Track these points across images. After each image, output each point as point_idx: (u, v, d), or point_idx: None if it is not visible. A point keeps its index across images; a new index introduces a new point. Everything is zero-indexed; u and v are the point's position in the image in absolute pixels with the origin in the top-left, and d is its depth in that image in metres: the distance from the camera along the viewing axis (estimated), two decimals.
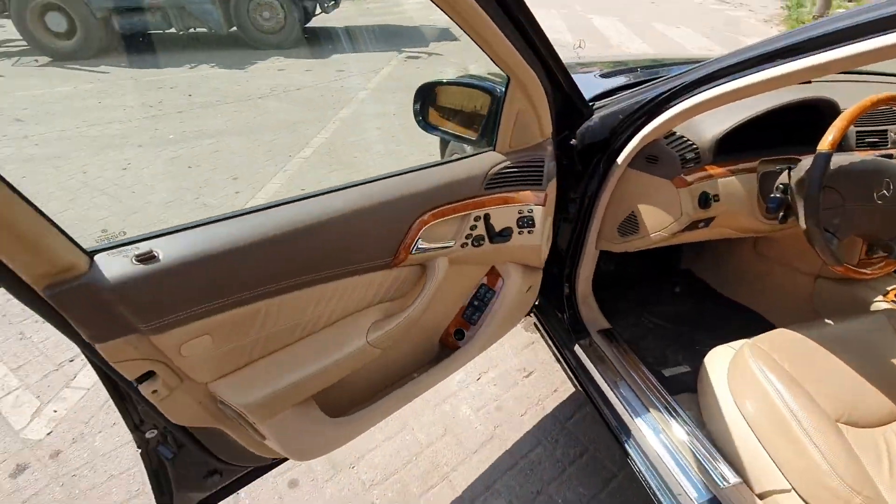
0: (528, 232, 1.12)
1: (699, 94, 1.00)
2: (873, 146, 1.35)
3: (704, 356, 1.21)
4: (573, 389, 1.78)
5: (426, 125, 1.27)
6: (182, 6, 6.37)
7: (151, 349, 0.72)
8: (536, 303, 1.62)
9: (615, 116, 1.20)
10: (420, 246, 0.97)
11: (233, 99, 4.97)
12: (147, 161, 3.65)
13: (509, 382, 1.81)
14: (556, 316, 1.55)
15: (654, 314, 1.73)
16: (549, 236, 1.24)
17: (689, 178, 1.18)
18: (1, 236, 0.54)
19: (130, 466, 1.55)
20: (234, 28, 6.78)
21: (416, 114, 1.28)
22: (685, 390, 1.34)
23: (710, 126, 1.21)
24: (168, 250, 0.70)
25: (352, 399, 1.12)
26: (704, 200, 1.19)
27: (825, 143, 1.01)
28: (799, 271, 1.58)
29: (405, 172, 0.97)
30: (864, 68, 1.20)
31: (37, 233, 0.57)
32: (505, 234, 1.09)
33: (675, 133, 1.20)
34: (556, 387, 1.79)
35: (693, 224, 1.25)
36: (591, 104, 1.28)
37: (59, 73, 5.82)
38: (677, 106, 1.04)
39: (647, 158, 1.21)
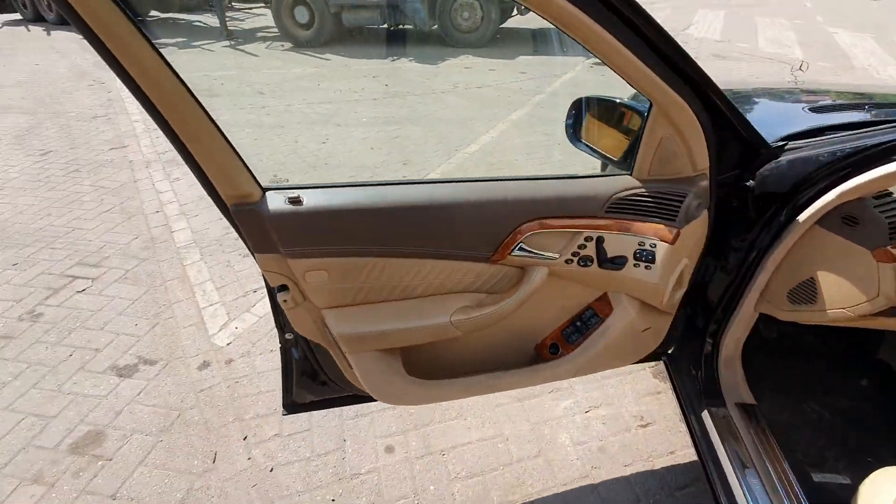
0: (646, 267, 1.04)
1: None
2: None
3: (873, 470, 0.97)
4: (696, 458, 1.58)
5: (574, 139, 1.25)
6: (396, 4, 7.16)
7: (287, 268, 0.93)
8: (670, 351, 1.48)
9: (810, 162, 1.02)
10: (522, 248, 0.99)
11: (420, 91, 5.45)
12: (341, 139, 4.24)
13: (620, 426, 1.69)
14: (689, 372, 1.39)
15: (820, 403, 1.42)
16: (682, 280, 1.12)
17: None
18: (214, 169, 0.82)
19: (274, 388, 1.87)
20: (435, 26, 7.37)
21: (567, 127, 1.27)
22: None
23: None
24: (311, 199, 0.90)
25: (437, 369, 1.19)
26: None
27: None
28: None
29: (524, 179, 1.00)
30: None
31: (235, 168, 0.84)
32: (617, 262, 1.04)
33: (891, 194, 0.96)
34: (674, 448, 1.61)
35: (894, 310, 1.00)
36: (782, 143, 1.11)
37: (296, 57, 7.08)
38: None
39: (845, 219, 1.00)
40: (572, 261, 1.03)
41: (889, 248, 0.95)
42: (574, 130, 1.25)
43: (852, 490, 0.96)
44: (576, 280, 1.10)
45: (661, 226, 1.01)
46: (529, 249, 1.00)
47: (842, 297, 1.02)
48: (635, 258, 1.04)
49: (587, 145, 1.21)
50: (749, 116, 1.44)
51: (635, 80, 0.86)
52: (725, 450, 1.18)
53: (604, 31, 0.76)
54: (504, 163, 3.77)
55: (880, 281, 0.96)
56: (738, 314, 1.22)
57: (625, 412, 1.74)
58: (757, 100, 1.60)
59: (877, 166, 0.89)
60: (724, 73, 5.73)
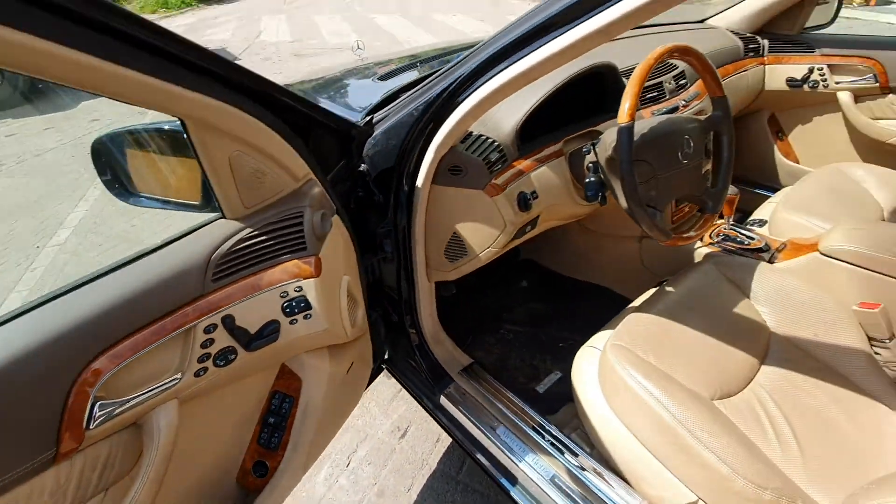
0: (305, 317, 0.81)
1: (482, 88, 0.81)
2: (655, 101, 1.36)
3: (570, 352, 1.08)
4: None
5: (126, 194, 0.84)
6: None
7: None
8: (386, 356, 1.36)
9: (399, 129, 0.97)
10: (104, 408, 0.61)
11: None
12: None
13: (385, 453, 1.52)
14: (411, 367, 1.30)
15: (511, 322, 1.60)
16: (354, 297, 0.96)
17: (500, 182, 1.01)
18: None
19: None
20: None
21: (107, 183, 0.85)
22: (566, 400, 1.21)
23: (506, 116, 1.06)
24: None
25: None
26: (524, 202, 1.04)
27: (624, 115, 0.91)
28: (624, 237, 1.58)
29: (51, 299, 0.59)
30: None
31: None
32: (267, 335, 0.77)
33: (471, 134, 1.01)
34: (438, 435, 1.56)
35: (521, 229, 1.10)
36: (369, 118, 1.04)
37: None
38: (463, 104, 0.85)
39: (451, 170, 1.00)
40: (206, 368, 0.71)
41: (493, 181, 1.00)
42: (119, 184, 0.84)
43: (568, 378, 1.05)
44: (226, 384, 0.78)
45: (295, 261, 0.79)
46: (120, 399, 0.62)
47: (483, 238, 1.05)
48: (287, 314, 0.79)
49: (151, 198, 0.84)
50: (336, 101, 1.37)
51: (147, 100, 0.56)
52: (471, 421, 1.15)
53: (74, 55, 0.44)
54: (120, 236, 2.92)
55: (501, 212, 1.02)
56: (419, 292, 1.16)
57: (381, 434, 1.58)
58: (337, 84, 1.56)
59: (447, 116, 0.88)
60: (308, 67, 6.07)
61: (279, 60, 6.59)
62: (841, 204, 1.41)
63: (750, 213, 1.62)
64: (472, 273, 1.18)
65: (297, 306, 0.78)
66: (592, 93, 1.22)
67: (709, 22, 1.88)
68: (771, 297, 1.11)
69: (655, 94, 1.34)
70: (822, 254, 1.14)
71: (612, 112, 0.98)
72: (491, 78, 0.79)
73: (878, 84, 1.60)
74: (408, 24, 8.58)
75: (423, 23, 8.53)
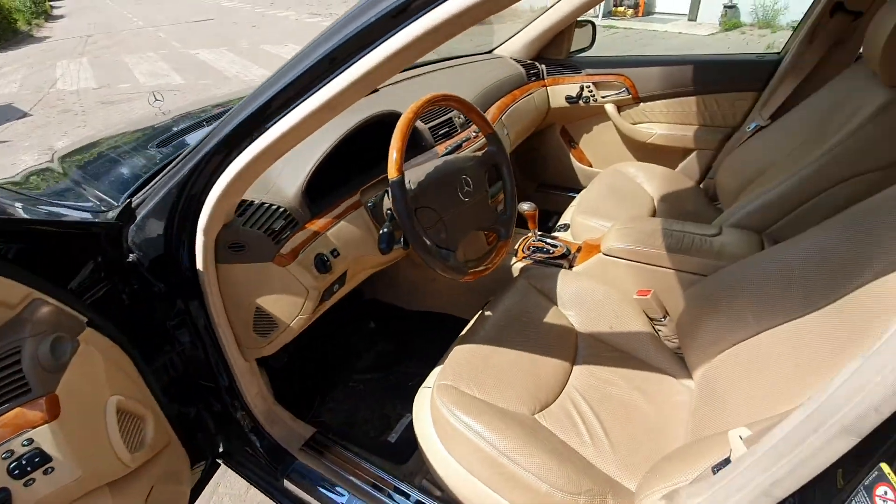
0: (46, 472, 0.67)
1: (235, 163, 0.76)
2: (447, 136, 1.44)
3: (417, 389, 1.08)
4: None
5: None
6: None
7: None
8: (221, 449, 1.22)
9: (159, 213, 0.87)
10: None
11: None
12: None
13: None
14: (248, 455, 1.18)
15: (360, 370, 1.56)
16: (135, 412, 0.85)
17: (289, 251, 0.97)
18: None
19: None
20: None
21: None
22: (417, 443, 1.21)
23: (289, 178, 1.02)
24: None
25: None
26: (322, 264, 1.01)
27: (392, 171, 0.93)
28: None
29: None
30: None
31: None
32: None
33: (251, 204, 0.95)
34: None
35: (328, 290, 1.06)
36: (128, 201, 0.93)
37: None
38: (219, 181, 0.79)
39: (231, 247, 0.93)
40: None
41: (280, 251, 0.96)
42: None
43: None
44: None
45: (17, 410, 0.65)
46: None
47: (288, 308, 1.00)
48: (17, 476, 0.64)
49: None
50: (103, 179, 1.19)
51: None
52: (319, 502, 1.08)
53: None
54: None
55: (299, 279, 0.98)
56: (237, 375, 1.07)
57: None
58: (111, 156, 1.36)
59: (208, 191, 0.81)
60: (119, 116, 5.39)
61: (83, 111, 5.75)
62: (621, 201, 1.64)
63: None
64: (313, 325, 1.12)
65: (29, 463, 0.64)
66: (385, 138, 1.25)
67: (495, 52, 2.07)
68: (573, 300, 1.23)
69: (447, 129, 1.42)
70: (604, 254, 1.30)
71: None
72: (243, 150, 0.75)
73: (630, 96, 1.91)
74: (236, 57, 8.12)
75: (252, 55, 8.14)
